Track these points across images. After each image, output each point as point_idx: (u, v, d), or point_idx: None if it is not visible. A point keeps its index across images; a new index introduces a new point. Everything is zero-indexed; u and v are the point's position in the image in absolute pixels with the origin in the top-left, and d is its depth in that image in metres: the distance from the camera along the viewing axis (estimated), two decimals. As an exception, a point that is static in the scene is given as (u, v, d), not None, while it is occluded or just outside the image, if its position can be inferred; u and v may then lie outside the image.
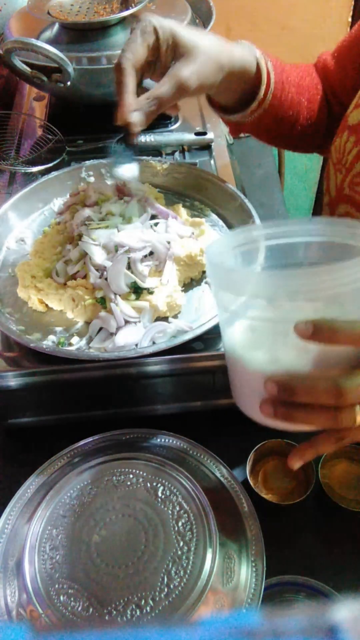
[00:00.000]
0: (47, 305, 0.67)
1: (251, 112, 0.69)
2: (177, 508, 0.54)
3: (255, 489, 0.59)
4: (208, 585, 0.48)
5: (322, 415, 0.43)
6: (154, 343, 0.61)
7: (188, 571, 0.49)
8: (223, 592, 0.49)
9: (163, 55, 0.61)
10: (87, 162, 0.83)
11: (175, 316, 0.66)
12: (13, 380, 0.61)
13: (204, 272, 0.71)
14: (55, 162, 0.88)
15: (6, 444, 0.70)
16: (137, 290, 0.64)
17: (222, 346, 0.62)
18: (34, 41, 0.74)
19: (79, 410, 0.69)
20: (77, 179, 0.83)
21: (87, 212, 0.72)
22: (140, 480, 0.56)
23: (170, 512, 0.53)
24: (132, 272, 0.65)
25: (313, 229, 0.50)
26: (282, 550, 0.58)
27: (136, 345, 0.61)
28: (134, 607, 0.48)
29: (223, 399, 0.67)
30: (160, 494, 0.55)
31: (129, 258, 0.65)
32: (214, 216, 0.79)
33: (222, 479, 0.58)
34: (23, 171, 0.87)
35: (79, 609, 0.48)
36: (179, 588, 0.48)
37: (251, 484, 0.59)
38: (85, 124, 0.96)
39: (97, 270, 0.65)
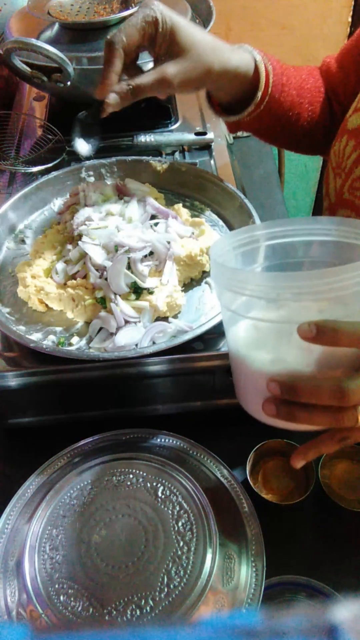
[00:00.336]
0: (47, 305, 0.67)
1: (248, 114, 0.70)
2: (177, 508, 0.54)
3: (255, 489, 0.59)
4: (208, 585, 0.48)
5: (324, 416, 0.43)
6: (154, 343, 0.61)
7: (188, 571, 0.49)
8: (223, 592, 0.49)
9: (157, 46, 0.62)
10: (87, 162, 0.83)
11: (175, 316, 0.66)
12: (13, 380, 0.61)
13: (204, 272, 0.71)
14: (55, 162, 0.88)
15: (6, 444, 0.70)
16: (137, 290, 0.64)
17: (223, 346, 0.62)
18: (34, 41, 0.74)
19: (79, 410, 0.69)
20: (77, 179, 0.83)
21: (87, 212, 0.72)
22: (140, 480, 0.56)
23: (170, 512, 0.53)
24: (132, 272, 0.65)
25: (318, 229, 0.50)
26: (282, 550, 0.58)
27: (136, 345, 0.61)
28: (134, 607, 0.48)
29: (223, 399, 0.67)
30: (160, 494, 0.55)
31: (129, 258, 0.65)
32: (214, 216, 0.79)
33: (222, 479, 0.58)
34: (23, 171, 0.87)
35: (79, 609, 0.48)
36: (179, 588, 0.48)
37: (251, 484, 0.59)
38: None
39: (97, 270, 0.65)
